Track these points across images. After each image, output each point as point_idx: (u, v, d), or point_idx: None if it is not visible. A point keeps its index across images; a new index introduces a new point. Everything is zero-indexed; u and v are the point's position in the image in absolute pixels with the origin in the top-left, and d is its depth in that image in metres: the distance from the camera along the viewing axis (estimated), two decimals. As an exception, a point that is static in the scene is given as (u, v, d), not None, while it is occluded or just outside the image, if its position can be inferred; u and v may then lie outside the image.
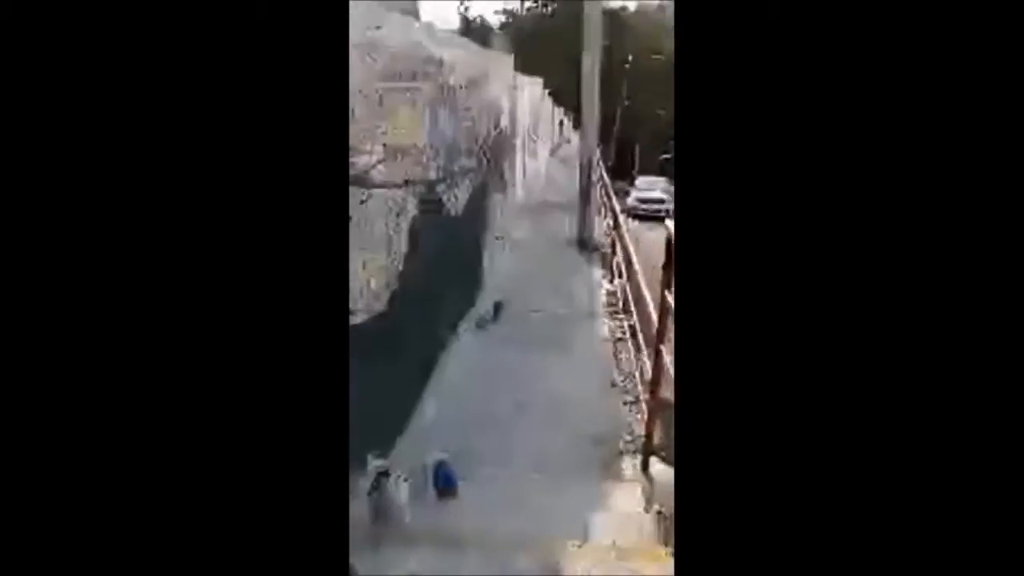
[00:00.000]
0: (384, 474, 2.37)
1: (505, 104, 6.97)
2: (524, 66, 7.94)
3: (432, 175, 4.12)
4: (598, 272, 6.53)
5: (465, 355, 4.38)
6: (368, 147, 2.99)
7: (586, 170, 7.40)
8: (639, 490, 2.88)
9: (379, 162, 3.03)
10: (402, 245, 3.52)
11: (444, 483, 2.62)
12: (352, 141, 2.79)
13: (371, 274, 3.08)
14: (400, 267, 3.49)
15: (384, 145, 3.21)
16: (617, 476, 3.09)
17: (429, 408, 3.66)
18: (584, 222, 7.47)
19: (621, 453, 3.33)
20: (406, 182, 3.56)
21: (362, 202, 2.95)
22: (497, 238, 6.54)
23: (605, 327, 5.10)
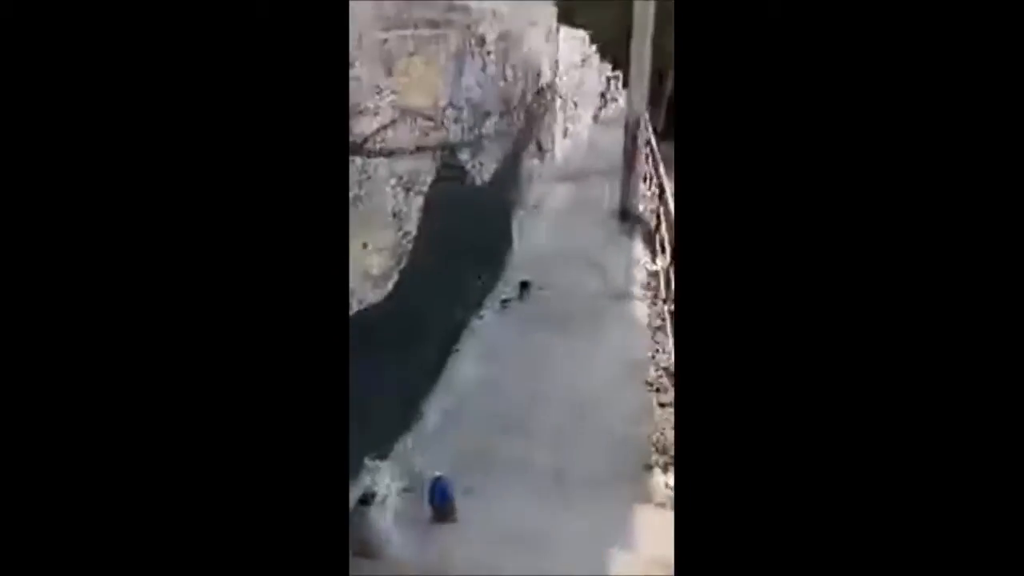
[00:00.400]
0: (371, 495, 2.05)
1: (545, 59, 6.37)
2: (569, 15, 7.25)
3: (454, 139, 3.68)
4: (639, 249, 6.00)
5: (484, 341, 4.03)
6: (372, 107, 2.57)
7: (631, 133, 6.78)
8: (671, 519, 2.49)
9: (382, 128, 2.61)
10: (413, 221, 3.13)
11: (440, 500, 2.29)
12: (351, 100, 2.38)
13: (373, 257, 2.72)
14: (410, 246, 3.11)
15: (402, 108, 2.79)
16: (646, 497, 2.70)
17: (438, 404, 3.33)
18: (627, 192, 6.90)
19: (651, 466, 2.93)
20: (419, 148, 3.13)
21: (369, 177, 2.55)
22: (534, 207, 6.09)
23: (643, 312, 4.64)
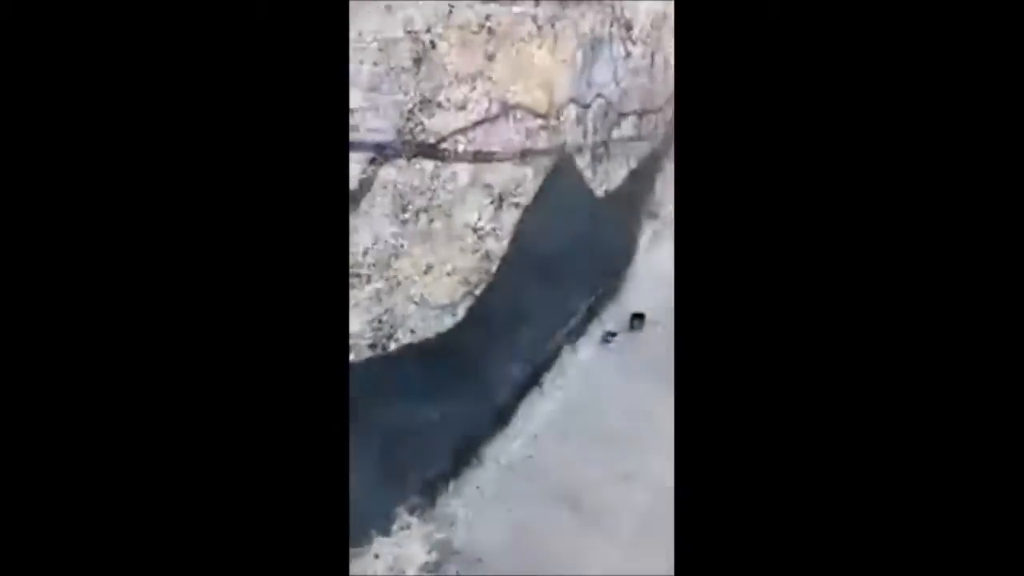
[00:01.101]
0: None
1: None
2: None
3: (573, 143, 3.08)
4: (789, 291, 4.92)
5: (574, 384, 3.41)
6: (460, 99, 2.06)
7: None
8: None
9: (469, 126, 2.09)
10: (504, 240, 2.60)
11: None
12: (433, 87, 1.89)
13: (441, 281, 2.24)
14: (494, 267, 2.59)
15: (503, 103, 2.26)
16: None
17: (497, 455, 2.81)
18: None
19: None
20: (523, 153, 2.58)
21: (443, 185, 2.06)
22: (662, 221, 5.27)
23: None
